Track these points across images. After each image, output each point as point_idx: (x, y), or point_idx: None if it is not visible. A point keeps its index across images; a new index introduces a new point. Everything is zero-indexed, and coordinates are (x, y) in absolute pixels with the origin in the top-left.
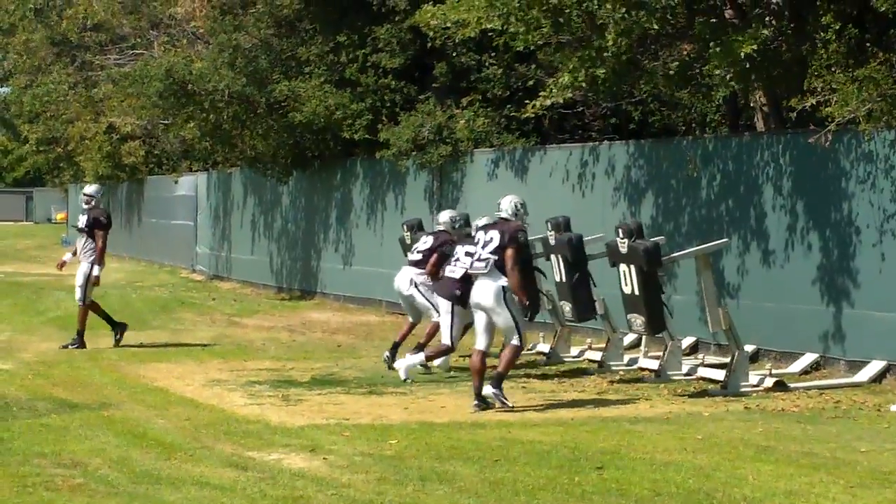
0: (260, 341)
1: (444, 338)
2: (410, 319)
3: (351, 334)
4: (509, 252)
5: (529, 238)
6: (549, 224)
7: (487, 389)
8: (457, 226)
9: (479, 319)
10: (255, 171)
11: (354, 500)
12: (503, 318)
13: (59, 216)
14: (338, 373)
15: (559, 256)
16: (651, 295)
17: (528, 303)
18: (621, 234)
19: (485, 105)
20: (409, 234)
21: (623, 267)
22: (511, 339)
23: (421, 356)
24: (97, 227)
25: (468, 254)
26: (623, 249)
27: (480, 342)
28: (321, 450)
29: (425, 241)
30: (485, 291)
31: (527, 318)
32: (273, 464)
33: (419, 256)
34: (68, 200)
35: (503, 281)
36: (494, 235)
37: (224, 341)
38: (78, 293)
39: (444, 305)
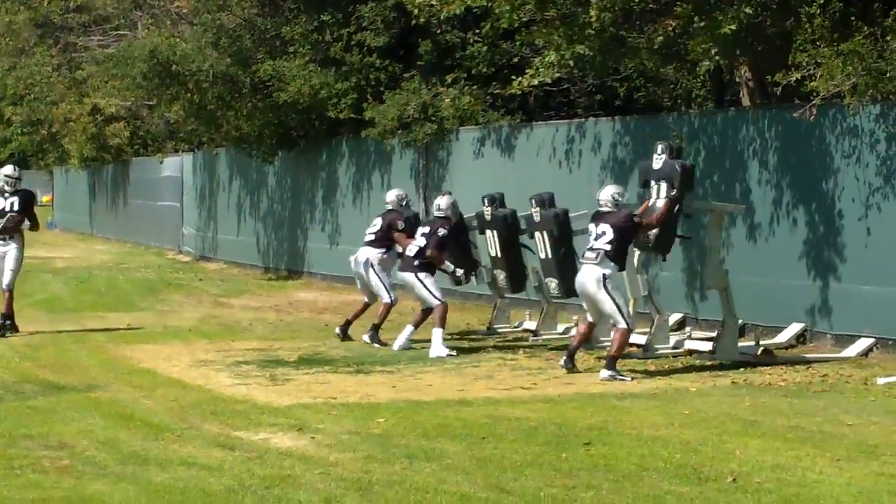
0: (247, 321)
1: (434, 301)
2: (365, 299)
3: (338, 314)
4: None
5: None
6: (533, 201)
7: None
8: (403, 204)
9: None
10: (241, 151)
11: (342, 478)
12: (608, 305)
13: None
14: (325, 352)
15: (544, 233)
16: (563, 259)
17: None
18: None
19: (470, 83)
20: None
21: (537, 234)
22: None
23: (410, 328)
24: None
25: (423, 234)
26: (537, 218)
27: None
28: (308, 429)
29: (375, 224)
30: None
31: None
32: (260, 443)
33: (372, 237)
34: (53, 183)
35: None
36: (606, 228)
37: (211, 322)
38: (9, 277)
39: (410, 278)
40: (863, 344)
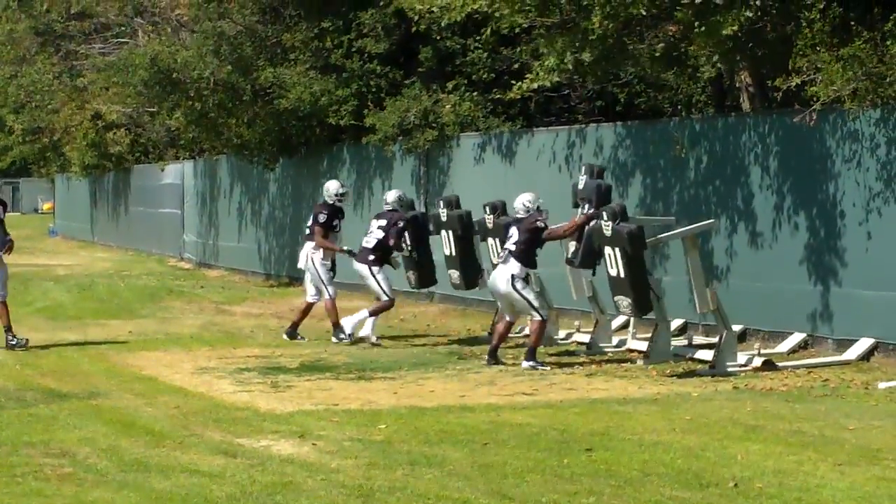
0: (248, 328)
1: (382, 296)
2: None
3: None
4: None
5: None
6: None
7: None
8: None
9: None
10: (242, 158)
11: (344, 485)
12: (519, 302)
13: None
14: (326, 359)
15: (616, 249)
16: (637, 277)
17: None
18: (605, 217)
19: (470, 89)
20: (491, 216)
21: (608, 250)
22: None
23: (365, 312)
24: None
25: (380, 227)
26: (607, 232)
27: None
28: (310, 435)
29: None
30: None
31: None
32: (262, 450)
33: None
34: (55, 191)
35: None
36: (515, 231)
37: (212, 329)
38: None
39: (364, 270)
40: (864, 345)
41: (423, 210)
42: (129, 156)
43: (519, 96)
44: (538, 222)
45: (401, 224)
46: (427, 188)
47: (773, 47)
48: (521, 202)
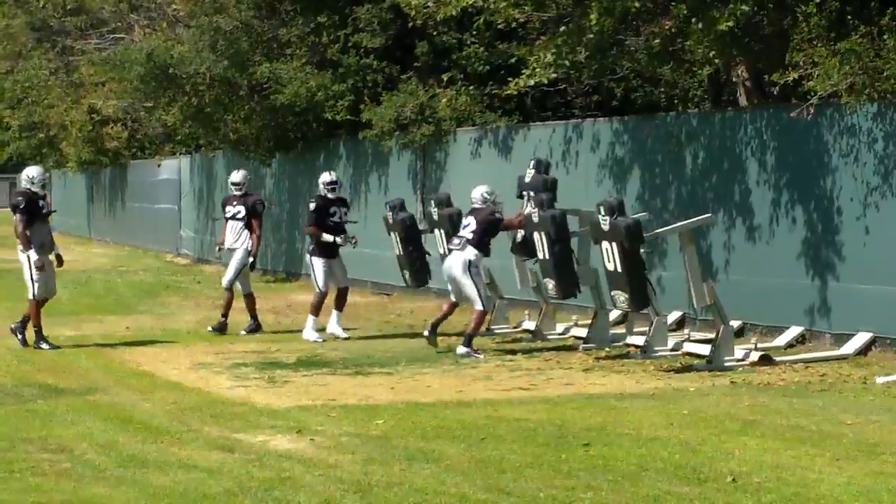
0: (245, 324)
1: (315, 287)
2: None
3: None
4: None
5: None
6: (532, 202)
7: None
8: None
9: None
10: (238, 153)
11: (341, 480)
12: (469, 288)
13: None
14: (323, 354)
15: (542, 234)
16: (634, 272)
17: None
18: (603, 212)
19: (467, 84)
20: (392, 214)
21: (605, 244)
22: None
23: (310, 318)
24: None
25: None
26: (605, 227)
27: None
28: (308, 431)
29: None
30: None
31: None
32: (259, 446)
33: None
34: (52, 186)
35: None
36: (472, 221)
37: (209, 324)
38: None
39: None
40: (861, 340)
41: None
42: (126, 151)
43: (516, 93)
44: (496, 213)
45: (311, 207)
46: (424, 183)
47: (769, 42)
48: (479, 193)
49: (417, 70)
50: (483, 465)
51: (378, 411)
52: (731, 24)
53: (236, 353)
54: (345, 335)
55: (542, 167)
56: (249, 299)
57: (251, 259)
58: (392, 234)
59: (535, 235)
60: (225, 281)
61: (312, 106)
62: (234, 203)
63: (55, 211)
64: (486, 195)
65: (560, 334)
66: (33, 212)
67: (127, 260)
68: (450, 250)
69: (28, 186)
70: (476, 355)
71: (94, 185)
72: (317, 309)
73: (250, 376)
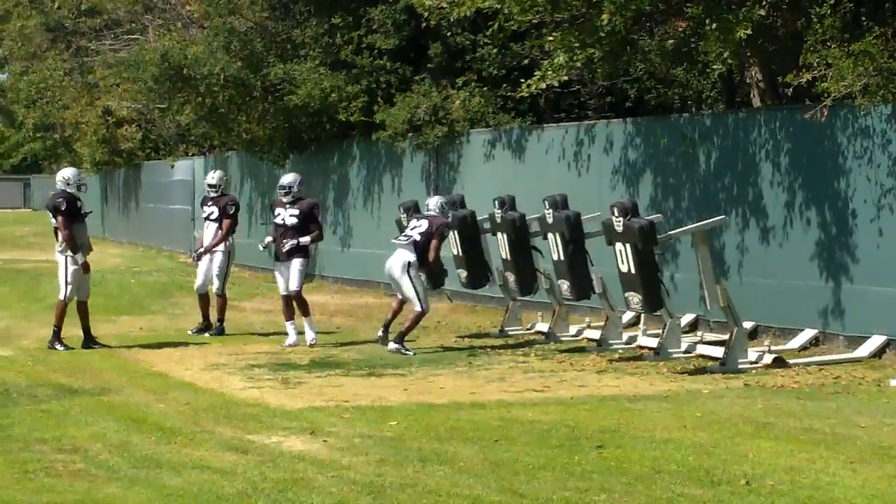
0: (259, 324)
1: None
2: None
3: (349, 316)
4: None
5: (528, 217)
6: (546, 202)
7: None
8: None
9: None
10: (252, 154)
11: (355, 481)
12: (407, 288)
13: None
14: (336, 355)
15: (557, 234)
16: (647, 273)
17: None
18: (616, 213)
19: (480, 85)
20: (405, 215)
21: (619, 245)
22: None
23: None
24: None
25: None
26: (619, 228)
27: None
28: (321, 432)
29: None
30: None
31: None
32: (273, 447)
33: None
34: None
35: (412, 256)
36: (424, 223)
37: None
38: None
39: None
40: (875, 342)
41: (521, 213)
42: (140, 152)
43: (529, 94)
44: (445, 230)
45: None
46: (437, 184)
47: (783, 43)
48: (436, 202)
49: (431, 71)
50: (496, 466)
51: (391, 412)
52: (748, 31)
53: (249, 354)
54: (289, 342)
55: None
56: (221, 300)
57: (200, 249)
58: (500, 235)
59: (550, 236)
60: (216, 288)
61: (326, 107)
62: (210, 204)
63: (91, 212)
64: (442, 204)
65: (573, 336)
66: (73, 213)
67: (141, 260)
68: (395, 245)
69: (64, 188)
70: (407, 352)
71: (109, 186)
72: (303, 308)
73: (264, 377)
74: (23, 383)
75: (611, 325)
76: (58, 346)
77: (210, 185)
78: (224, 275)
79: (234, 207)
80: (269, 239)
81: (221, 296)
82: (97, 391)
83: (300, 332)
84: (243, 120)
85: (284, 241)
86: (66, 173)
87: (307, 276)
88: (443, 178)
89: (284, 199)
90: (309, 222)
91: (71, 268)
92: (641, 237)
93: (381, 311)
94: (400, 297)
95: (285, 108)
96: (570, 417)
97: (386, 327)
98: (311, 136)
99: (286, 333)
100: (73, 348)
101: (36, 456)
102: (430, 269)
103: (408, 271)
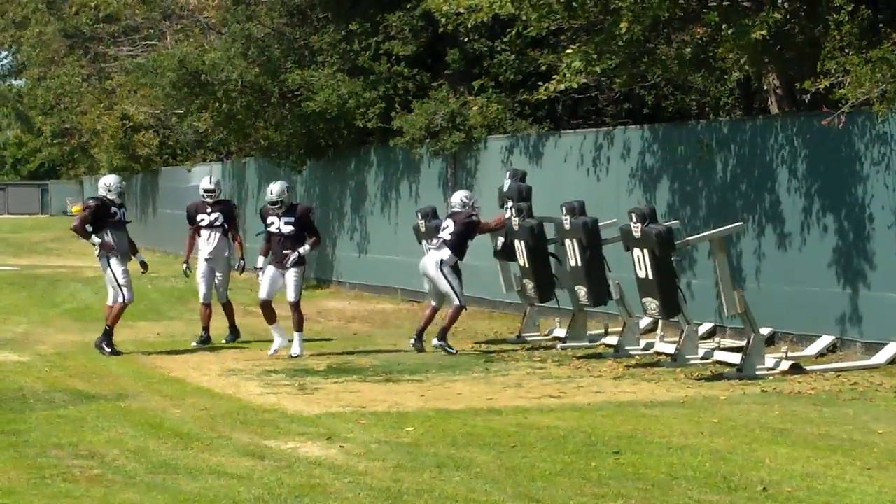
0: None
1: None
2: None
3: (366, 322)
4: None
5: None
6: (563, 208)
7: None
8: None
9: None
10: (269, 160)
11: (371, 487)
12: (443, 284)
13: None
14: (354, 361)
15: (574, 240)
16: (665, 279)
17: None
18: (634, 219)
19: (498, 91)
20: (423, 221)
21: (637, 251)
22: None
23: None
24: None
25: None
26: (636, 234)
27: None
28: (338, 438)
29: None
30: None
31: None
32: (290, 452)
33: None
34: (83, 192)
35: (445, 255)
36: (450, 223)
37: (240, 331)
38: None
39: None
40: (893, 349)
41: (539, 220)
42: (157, 158)
43: (546, 98)
44: (473, 216)
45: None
46: (454, 190)
47: (801, 50)
48: (459, 198)
49: (448, 77)
50: (513, 472)
51: (408, 418)
52: (763, 32)
53: (266, 359)
54: (275, 347)
55: (518, 176)
56: (208, 309)
57: (242, 262)
58: (517, 242)
59: (567, 242)
60: (220, 296)
61: (343, 113)
62: (209, 210)
63: (130, 221)
64: (465, 199)
65: (591, 342)
66: (100, 217)
67: (158, 266)
68: (428, 249)
69: (104, 194)
70: (449, 349)
71: (126, 192)
72: (298, 323)
73: (280, 383)
74: (40, 389)
75: (628, 331)
76: (105, 348)
77: (208, 191)
78: (227, 282)
79: (237, 209)
80: (261, 259)
81: (226, 302)
82: (114, 397)
83: (290, 339)
84: (261, 126)
85: (285, 251)
86: (108, 180)
87: (323, 281)
88: (460, 184)
89: (278, 210)
90: (305, 228)
91: (119, 269)
92: (659, 243)
93: (398, 318)
94: (433, 304)
95: (303, 115)
96: (586, 423)
97: (419, 334)
98: (329, 143)
99: (310, 340)
100: (122, 353)
101: (53, 461)
102: (505, 251)
103: (441, 268)
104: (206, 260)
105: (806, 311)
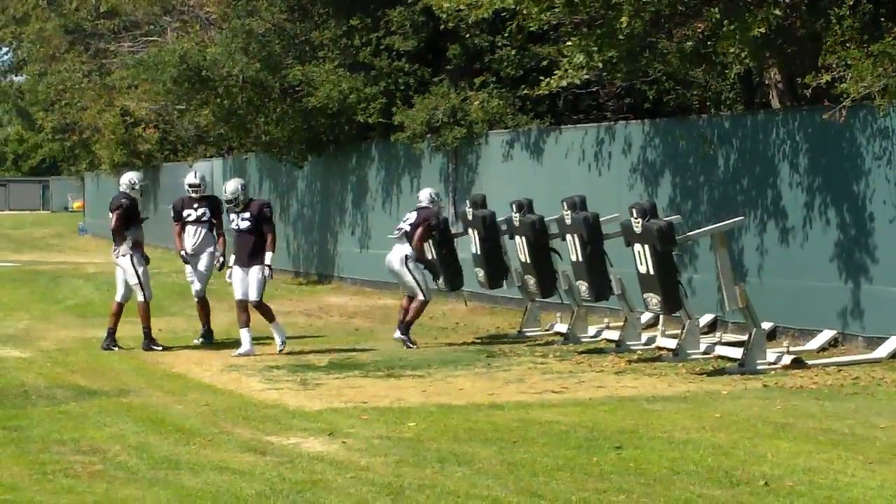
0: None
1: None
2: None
3: (368, 318)
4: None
5: (546, 218)
6: (564, 203)
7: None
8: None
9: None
10: (271, 156)
11: (373, 482)
12: (408, 279)
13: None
14: (355, 356)
15: (575, 236)
16: (666, 274)
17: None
18: (635, 214)
19: (499, 86)
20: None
21: (638, 246)
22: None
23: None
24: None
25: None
26: (637, 229)
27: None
28: (339, 433)
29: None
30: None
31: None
32: (291, 448)
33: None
34: (84, 189)
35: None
36: (414, 215)
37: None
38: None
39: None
40: (894, 343)
41: (540, 215)
42: (158, 153)
43: (547, 93)
44: (432, 220)
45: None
46: (456, 186)
47: (802, 44)
48: (427, 193)
49: (449, 72)
50: (515, 467)
51: (410, 414)
52: (763, 29)
53: (268, 355)
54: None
55: (479, 203)
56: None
57: (221, 258)
58: (518, 238)
59: (568, 238)
60: (198, 292)
61: (344, 108)
62: (196, 206)
63: (147, 218)
64: (432, 195)
65: (592, 337)
66: (132, 216)
67: (159, 262)
68: (390, 240)
69: (128, 191)
70: (410, 344)
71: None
72: (267, 315)
73: (282, 378)
74: (41, 385)
75: (629, 326)
76: (155, 348)
77: (193, 186)
78: (208, 279)
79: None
80: (232, 260)
81: (202, 299)
82: (116, 392)
83: (275, 340)
84: (262, 121)
85: (242, 248)
86: (133, 177)
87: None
88: (461, 179)
89: (236, 208)
90: (261, 223)
91: (141, 268)
92: (660, 238)
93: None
94: (408, 294)
95: (304, 110)
96: (588, 418)
97: (401, 327)
98: (330, 138)
99: (300, 336)
100: (171, 348)
101: (55, 457)
102: (421, 261)
103: (406, 263)
104: (192, 255)
105: (807, 306)
